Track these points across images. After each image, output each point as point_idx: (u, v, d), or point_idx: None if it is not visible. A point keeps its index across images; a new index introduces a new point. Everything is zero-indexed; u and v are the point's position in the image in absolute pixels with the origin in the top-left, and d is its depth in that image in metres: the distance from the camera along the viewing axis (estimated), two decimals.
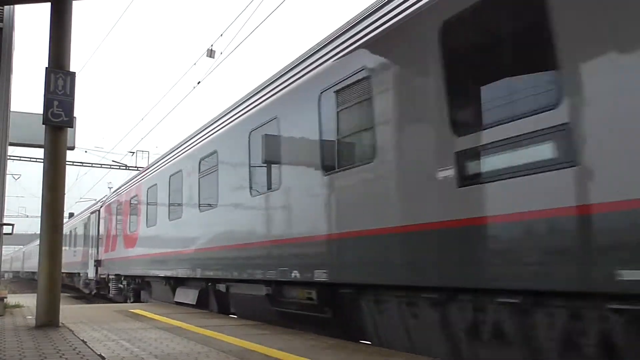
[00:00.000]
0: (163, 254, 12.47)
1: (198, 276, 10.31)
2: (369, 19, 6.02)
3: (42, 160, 8.37)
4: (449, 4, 4.74)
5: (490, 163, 4.32)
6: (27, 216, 58.14)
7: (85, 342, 5.92)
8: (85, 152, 33.48)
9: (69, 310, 10.39)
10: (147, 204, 14.15)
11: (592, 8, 3.65)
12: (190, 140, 11.47)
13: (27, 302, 12.66)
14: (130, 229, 15.75)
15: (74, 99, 8.16)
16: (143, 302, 15.18)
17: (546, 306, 4.09)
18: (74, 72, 8.23)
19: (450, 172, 4.64)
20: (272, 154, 7.71)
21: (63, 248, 32.42)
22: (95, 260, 21.31)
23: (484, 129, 4.36)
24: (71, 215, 31.04)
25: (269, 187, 7.86)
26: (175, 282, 12.34)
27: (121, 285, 17.87)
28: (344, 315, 6.66)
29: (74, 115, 8.29)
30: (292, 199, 7.23)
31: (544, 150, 3.90)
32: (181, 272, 11.23)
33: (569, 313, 3.93)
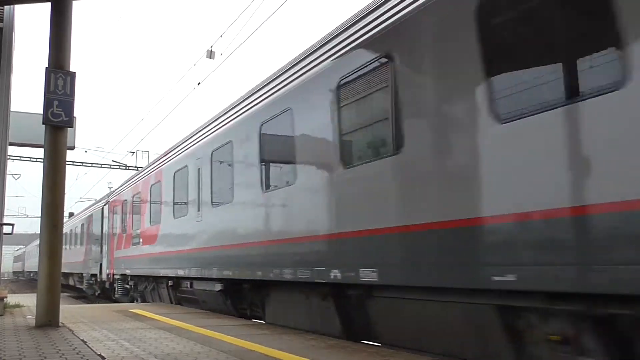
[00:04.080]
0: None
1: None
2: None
3: (42, 160, 8.37)
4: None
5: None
6: (27, 216, 58.17)
7: (85, 342, 5.93)
8: (85, 152, 33.52)
9: (69, 310, 10.39)
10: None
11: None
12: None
13: (27, 302, 12.66)
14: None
15: (74, 99, 8.17)
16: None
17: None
18: (74, 72, 8.23)
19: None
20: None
21: (64, 247, 27.15)
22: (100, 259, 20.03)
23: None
24: (71, 215, 30.96)
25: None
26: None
27: (127, 286, 16.94)
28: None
29: (74, 115, 8.30)
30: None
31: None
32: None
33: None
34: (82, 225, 25.16)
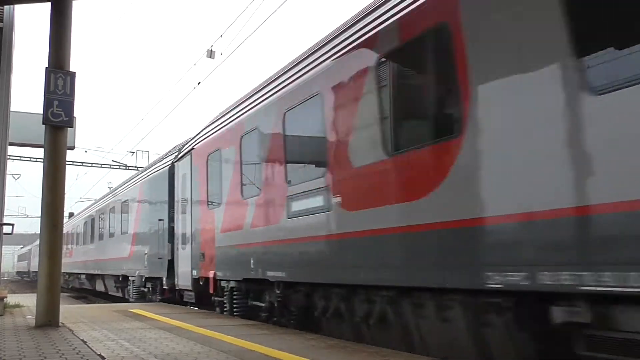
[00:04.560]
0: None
1: None
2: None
3: (42, 160, 8.37)
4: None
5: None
6: (27, 216, 58.19)
7: (85, 342, 5.92)
8: (85, 152, 33.46)
9: (69, 310, 10.39)
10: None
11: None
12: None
13: (27, 302, 12.66)
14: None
15: (74, 99, 8.17)
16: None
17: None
18: (74, 72, 8.23)
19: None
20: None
21: (93, 240, 21.64)
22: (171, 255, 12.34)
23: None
24: (71, 215, 30.81)
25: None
26: None
27: (261, 304, 8.50)
28: None
29: (74, 115, 8.30)
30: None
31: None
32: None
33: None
34: (124, 203, 17.13)
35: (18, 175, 35.89)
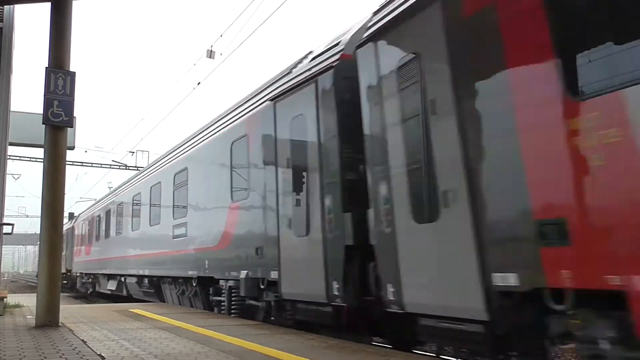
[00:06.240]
0: None
1: None
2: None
3: (42, 160, 8.37)
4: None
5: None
6: (27, 216, 58.20)
7: (85, 342, 5.93)
8: (85, 152, 33.47)
9: (69, 310, 10.39)
10: None
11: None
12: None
13: (27, 302, 12.67)
14: None
15: (74, 99, 8.17)
16: None
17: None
18: (74, 72, 8.23)
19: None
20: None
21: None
22: None
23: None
24: (71, 215, 30.80)
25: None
26: None
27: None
28: None
29: (74, 115, 8.30)
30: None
31: None
32: None
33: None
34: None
35: (18, 175, 35.90)
